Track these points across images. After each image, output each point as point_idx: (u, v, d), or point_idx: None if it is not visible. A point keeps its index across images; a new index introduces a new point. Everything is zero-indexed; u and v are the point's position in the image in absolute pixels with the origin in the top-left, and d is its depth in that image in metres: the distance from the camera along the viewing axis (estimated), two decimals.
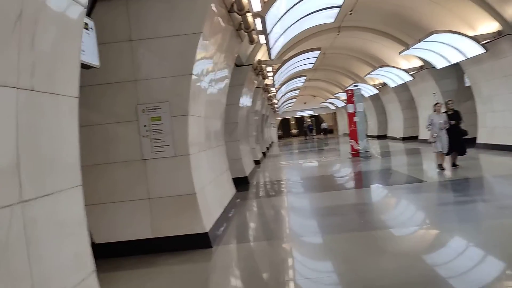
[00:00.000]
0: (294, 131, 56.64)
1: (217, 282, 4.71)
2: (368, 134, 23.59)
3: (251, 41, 8.25)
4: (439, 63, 15.38)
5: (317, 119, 54.39)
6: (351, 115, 17.08)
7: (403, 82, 20.33)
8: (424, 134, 20.15)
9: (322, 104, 47.25)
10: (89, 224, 5.47)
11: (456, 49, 13.20)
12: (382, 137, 28.65)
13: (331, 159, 19.38)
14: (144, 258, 5.35)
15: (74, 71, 2.66)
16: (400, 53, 15.90)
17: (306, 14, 8.35)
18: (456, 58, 14.03)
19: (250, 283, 4.47)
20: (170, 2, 5.31)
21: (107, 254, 5.43)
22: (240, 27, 7.57)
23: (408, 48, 14.81)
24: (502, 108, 13.42)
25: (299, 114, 50.83)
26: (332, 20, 10.29)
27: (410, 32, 15.66)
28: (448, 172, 9.90)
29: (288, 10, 7.16)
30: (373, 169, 13.13)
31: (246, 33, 7.76)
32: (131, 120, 5.54)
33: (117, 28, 5.38)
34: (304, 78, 25.38)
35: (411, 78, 19.10)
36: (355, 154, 16.58)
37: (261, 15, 6.11)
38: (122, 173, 5.61)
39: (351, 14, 14.70)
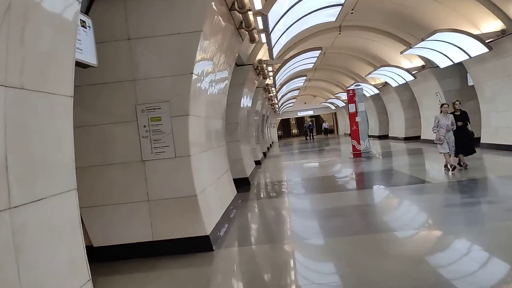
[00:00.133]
0: (294, 131, 56.55)
1: (219, 287, 4.59)
2: (369, 134, 23.45)
3: (252, 40, 8.14)
4: (442, 63, 15.25)
5: (317, 119, 54.31)
6: (352, 115, 16.97)
7: (404, 82, 20.20)
8: (426, 134, 20.07)
9: (322, 104, 47.14)
10: (87, 227, 5.40)
11: (460, 48, 13.06)
12: (383, 137, 28.55)
13: (333, 159, 19.25)
14: (143, 262, 5.24)
15: (69, 70, 2.53)
16: (402, 52, 15.76)
17: (308, 12, 8.21)
18: (459, 57, 13.89)
19: None
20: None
21: (105, 258, 5.35)
22: (241, 26, 7.46)
23: (410, 47, 14.67)
24: (506, 108, 13.28)
25: (300, 114, 50.72)
26: (333, 19, 10.15)
27: (412, 31, 15.54)
28: (456, 173, 9.72)
29: (290, 8, 7.03)
30: (376, 170, 12.99)
31: (246, 32, 7.65)
32: (130, 120, 5.42)
33: (115, 27, 5.27)
34: (305, 78, 25.25)
35: (413, 78, 18.97)
36: (357, 154, 16.46)
37: (263, 13, 5.98)
38: (121, 174, 5.49)
39: (352, 13, 14.59)
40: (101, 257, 5.33)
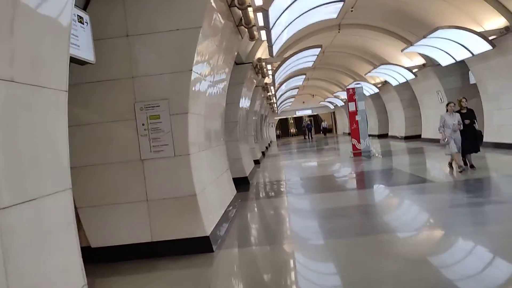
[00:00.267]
0: (293, 130, 56.43)
1: None
2: (369, 133, 23.37)
3: (252, 37, 8.00)
4: (444, 61, 15.05)
5: (316, 118, 54.21)
6: (352, 114, 16.84)
7: (405, 80, 20.09)
8: (427, 133, 19.99)
9: (321, 103, 47.04)
10: (84, 228, 5.28)
11: (462, 45, 12.89)
12: (383, 136, 28.46)
13: (332, 159, 19.15)
14: (142, 263, 5.13)
15: (63, 63, 2.40)
16: (403, 50, 15.64)
17: (310, 8, 8.10)
18: (462, 55, 13.68)
19: None
20: None
21: (103, 259, 5.24)
22: (241, 23, 7.33)
23: (411, 45, 14.54)
24: (509, 105, 13.15)
25: (298, 113, 50.60)
26: (335, 16, 10.06)
27: (412, 29, 15.42)
28: (466, 172, 9.55)
29: (291, 4, 6.91)
30: (377, 169, 12.87)
31: (246, 29, 7.52)
32: (129, 118, 5.30)
33: (113, 23, 5.15)
34: (304, 77, 25.13)
35: (413, 76, 18.87)
36: (357, 153, 16.36)
37: (264, 8, 5.85)
38: (119, 174, 5.36)
39: (352, 11, 14.48)
40: (99, 258, 5.21)
